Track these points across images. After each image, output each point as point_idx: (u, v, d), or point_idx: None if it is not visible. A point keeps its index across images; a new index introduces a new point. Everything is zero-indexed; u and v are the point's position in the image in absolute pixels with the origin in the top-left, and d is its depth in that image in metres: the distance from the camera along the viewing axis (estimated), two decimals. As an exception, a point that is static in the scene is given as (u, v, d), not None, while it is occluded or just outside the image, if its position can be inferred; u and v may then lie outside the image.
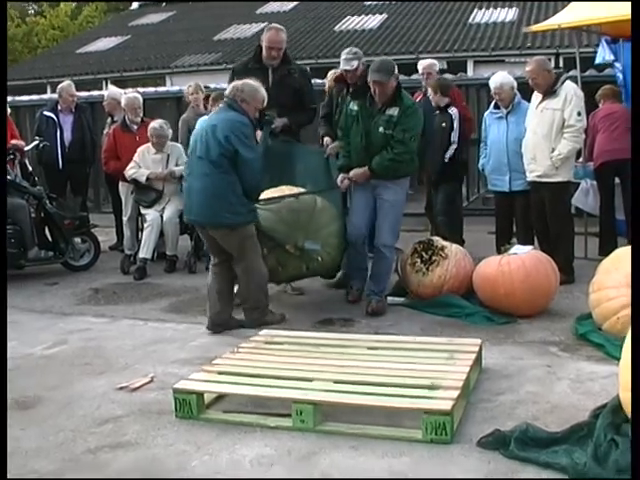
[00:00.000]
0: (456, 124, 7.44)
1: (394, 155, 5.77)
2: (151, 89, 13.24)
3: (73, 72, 19.73)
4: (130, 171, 7.85)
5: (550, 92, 6.52)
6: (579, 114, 6.42)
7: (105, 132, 8.94)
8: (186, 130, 8.05)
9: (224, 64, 17.71)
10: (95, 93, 13.38)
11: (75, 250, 8.11)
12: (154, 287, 7.22)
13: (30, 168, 8.27)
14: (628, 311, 4.19)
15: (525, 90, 7.07)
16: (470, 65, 17.55)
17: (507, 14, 19.76)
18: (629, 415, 3.19)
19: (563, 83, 6.54)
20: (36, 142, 8.73)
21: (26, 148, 8.50)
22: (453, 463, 3.33)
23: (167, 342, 5.37)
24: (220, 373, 4.21)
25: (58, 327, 5.92)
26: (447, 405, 3.53)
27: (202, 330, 5.58)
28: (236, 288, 5.76)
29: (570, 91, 6.44)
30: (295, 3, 24.59)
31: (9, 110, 8.85)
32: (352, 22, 21.48)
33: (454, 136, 7.43)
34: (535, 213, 6.80)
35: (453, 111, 7.46)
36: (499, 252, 6.26)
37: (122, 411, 4.08)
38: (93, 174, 10.21)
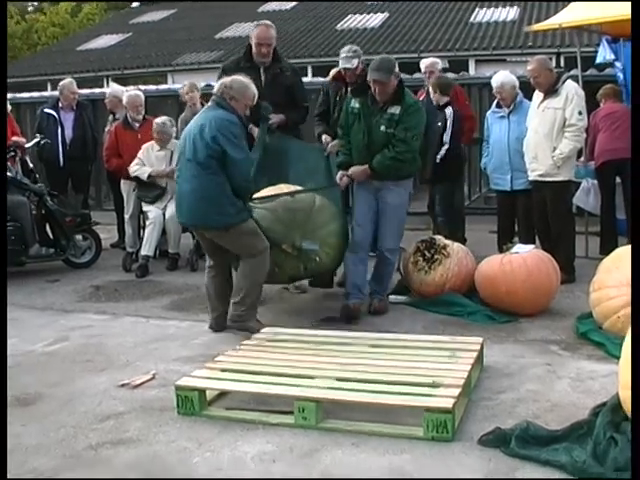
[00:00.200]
0: (449, 124, 7.38)
1: (395, 154, 5.64)
2: (152, 87, 13.22)
3: (74, 69, 19.74)
4: (133, 168, 7.86)
5: (551, 91, 6.52)
6: (580, 113, 6.43)
7: (107, 129, 8.95)
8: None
9: (225, 62, 17.72)
10: (96, 90, 13.39)
11: (76, 247, 8.12)
12: (156, 285, 7.22)
13: (31, 165, 8.28)
14: (629, 310, 4.19)
15: (527, 89, 7.07)
16: (472, 64, 17.58)
17: (508, 13, 19.78)
18: (628, 413, 3.21)
19: (564, 82, 6.54)
20: (37, 139, 8.74)
21: (27, 145, 8.52)
22: (454, 461, 3.33)
23: (169, 339, 5.37)
24: (222, 370, 4.21)
25: (59, 324, 5.92)
26: (448, 403, 3.54)
27: (204, 328, 5.58)
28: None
29: (571, 90, 6.45)
30: (296, 2, 24.60)
31: (10, 107, 8.85)
32: (354, 21, 21.50)
33: (446, 137, 7.37)
34: (537, 212, 6.80)
35: (448, 111, 7.42)
36: (501, 251, 6.28)
37: (124, 408, 4.08)
38: (94, 171, 10.22)
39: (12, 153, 8.14)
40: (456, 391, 3.68)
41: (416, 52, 17.30)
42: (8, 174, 7.76)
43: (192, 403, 3.92)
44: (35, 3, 38.50)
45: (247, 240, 5.31)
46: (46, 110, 9.05)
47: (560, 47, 16.25)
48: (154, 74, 20.70)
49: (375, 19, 21.28)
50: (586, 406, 3.72)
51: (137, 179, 7.88)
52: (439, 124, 7.35)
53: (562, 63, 15.49)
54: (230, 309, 5.44)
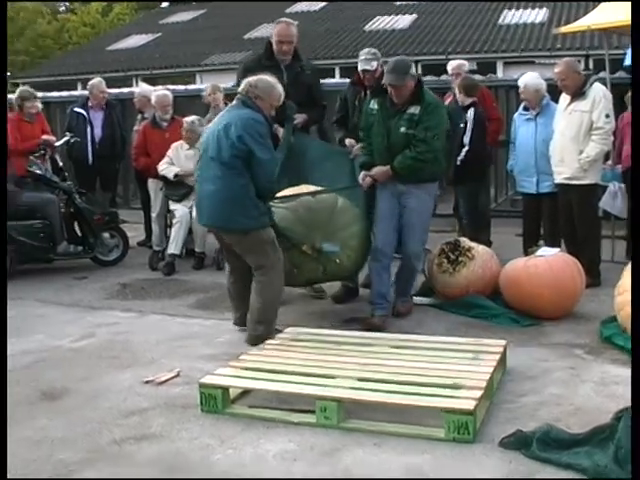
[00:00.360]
0: (469, 126, 7.34)
1: (416, 154, 5.50)
2: (181, 87, 13.30)
3: (103, 69, 19.92)
4: (162, 167, 7.93)
5: (579, 94, 6.48)
6: (607, 116, 6.39)
7: (135, 129, 9.02)
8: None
9: (254, 63, 17.78)
10: (125, 90, 13.50)
11: (104, 245, 8.20)
12: (182, 283, 7.28)
13: (60, 163, 8.38)
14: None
15: (554, 92, 7.04)
16: (500, 66, 17.50)
17: (537, 15, 19.66)
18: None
19: (592, 85, 6.50)
20: (66, 138, 8.85)
21: (56, 144, 8.62)
22: (474, 462, 3.34)
23: (194, 338, 5.41)
24: (246, 369, 4.25)
25: (86, 321, 6.00)
26: (470, 405, 3.55)
27: (229, 326, 5.61)
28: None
29: (599, 93, 6.41)
30: (325, 2, 24.62)
31: (40, 106, 8.95)
32: (382, 22, 21.49)
33: (465, 138, 7.32)
34: (563, 215, 6.76)
35: (469, 113, 7.38)
36: (526, 254, 6.25)
37: (148, 404, 4.14)
38: (123, 170, 10.32)
39: (42, 151, 8.26)
40: (478, 393, 3.68)
41: (444, 54, 17.26)
42: (38, 172, 7.89)
43: (215, 401, 3.97)
44: (67, 3, 38.94)
45: (263, 249, 5.14)
46: (76, 109, 9.14)
47: (589, 49, 16.13)
48: (183, 74, 20.84)
49: (404, 20, 21.26)
50: (609, 410, 3.70)
51: (164, 178, 7.95)
52: (462, 125, 7.33)
53: (591, 65, 15.37)
54: (249, 327, 5.26)
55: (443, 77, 10.16)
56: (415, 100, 5.53)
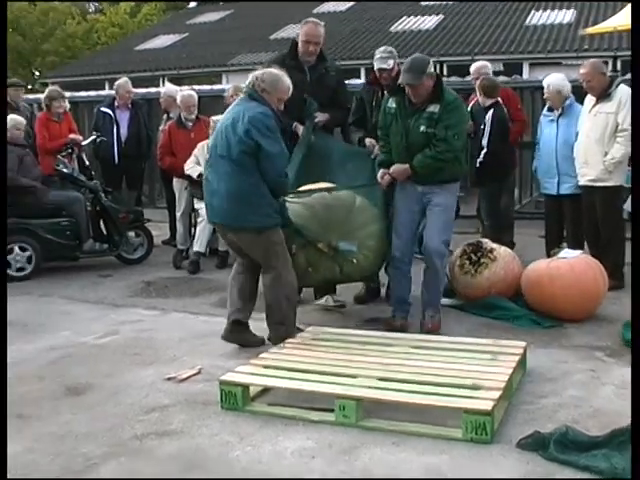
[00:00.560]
0: (487, 128, 7.29)
1: (436, 153, 5.34)
2: (206, 87, 13.39)
3: (131, 69, 20.10)
4: (188, 166, 7.99)
5: (604, 95, 6.46)
6: (633, 118, 6.35)
7: (161, 128, 9.11)
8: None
9: (280, 63, 17.85)
10: (152, 90, 13.60)
11: (129, 243, 8.29)
12: (205, 282, 7.34)
13: (87, 162, 8.51)
14: (676, 318, 4.14)
15: (580, 93, 7.00)
16: (526, 67, 17.40)
17: (564, 16, 19.53)
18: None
19: (617, 86, 6.47)
20: (93, 137, 8.99)
21: (83, 143, 8.74)
22: (491, 463, 3.36)
23: (216, 336, 5.42)
24: (266, 367, 4.29)
25: (110, 318, 6.08)
26: (488, 405, 3.56)
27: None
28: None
29: (624, 95, 6.37)
30: (352, 3, 24.63)
31: (68, 105, 9.08)
32: (408, 22, 21.46)
33: (484, 140, 7.28)
34: (586, 217, 6.74)
35: (488, 115, 7.33)
36: (548, 256, 6.23)
37: (169, 401, 4.20)
38: (148, 169, 10.41)
39: (69, 150, 8.39)
40: (496, 394, 3.69)
41: (470, 55, 17.19)
42: (65, 170, 8.00)
43: (235, 398, 4.01)
44: (96, 4, 39.30)
45: (274, 249, 5.02)
46: (102, 109, 9.26)
47: (617, 50, 16.00)
48: (209, 74, 20.96)
49: (430, 21, 21.22)
50: (629, 413, 3.66)
51: (189, 177, 8.02)
52: (482, 127, 7.31)
53: (619, 67, 15.25)
54: (270, 328, 5.14)
55: (468, 78, 10.12)
56: (434, 98, 5.38)
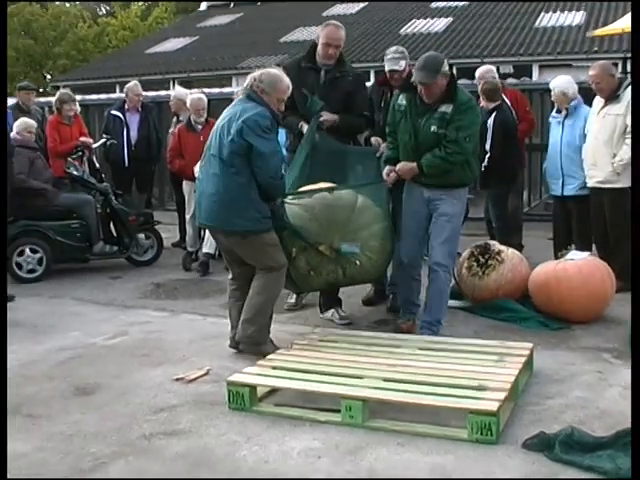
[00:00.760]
0: (489, 132, 7.28)
1: (446, 155, 5.12)
2: (216, 90, 13.46)
3: (142, 72, 20.18)
4: (197, 169, 8.02)
5: (613, 97, 6.47)
6: (642, 119, 6.35)
7: (171, 131, 9.16)
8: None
9: (289, 66, 17.91)
10: (162, 93, 13.67)
11: (139, 246, 8.34)
12: (214, 284, 7.37)
13: (97, 165, 8.57)
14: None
15: (588, 95, 7.00)
16: (536, 69, 17.38)
17: (574, 18, 19.49)
18: None
19: (626, 88, 6.47)
20: (103, 140, 9.05)
21: (94, 145, 8.80)
22: (497, 463, 3.38)
23: (224, 337, 5.44)
24: (273, 368, 4.32)
25: (120, 319, 6.12)
26: (493, 406, 3.58)
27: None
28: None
29: (633, 96, 6.38)
30: (362, 5, 24.66)
31: (79, 109, 9.15)
32: (418, 25, 21.46)
33: (487, 145, 7.25)
34: (594, 219, 6.75)
35: (490, 119, 7.31)
36: (556, 257, 6.23)
37: (177, 401, 4.23)
38: (158, 172, 10.47)
39: (80, 153, 8.45)
40: (502, 395, 3.71)
41: (479, 57, 17.19)
42: (75, 173, 8.06)
43: (243, 398, 4.04)
44: (107, 7, 39.47)
45: (266, 252, 4.89)
46: (113, 112, 9.32)
47: (626, 52, 15.92)
48: (219, 77, 21.02)
49: (439, 24, 21.20)
50: (635, 414, 3.71)
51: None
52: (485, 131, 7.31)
53: (628, 68, 15.20)
54: (239, 328, 4.99)
55: (476, 81, 10.13)
56: (447, 98, 5.17)
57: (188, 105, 8.55)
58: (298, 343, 4.84)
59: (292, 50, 20.37)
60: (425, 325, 5.35)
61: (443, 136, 5.16)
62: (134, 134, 9.22)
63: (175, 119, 9.28)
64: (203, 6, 30.20)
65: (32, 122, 8.18)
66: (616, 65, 12.92)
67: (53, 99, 9.21)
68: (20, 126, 7.92)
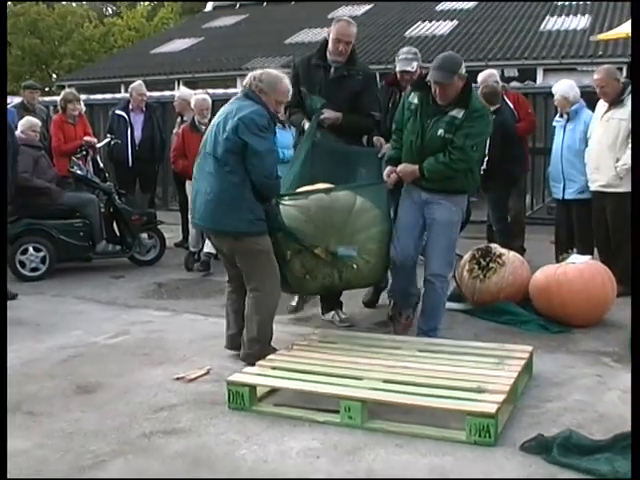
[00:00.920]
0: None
1: (450, 161, 4.94)
2: (220, 90, 13.48)
3: (147, 72, 20.21)
4: (198, 168, 8.05)
5: (617, 101, 6.48)
6: (646, 124, 6.36)
7: (174, 131, 9.18)
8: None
9: (294, 67, 17.95)
10: (167, 93, 13.70)
11: (141, 245, 8.37)
12: (216, 284, 7.37)
13: (101, 164, 8.60)
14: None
15: (592, 99, 7.01)
16: (540, 73, 17.38)
17: (579, 22, 19.47)
18: None
19: (630, 93, 6.48)
20: (107, 139, 9.09)
21: (98, 145, 8.83)
22: (495, 465, 3.39)
23: (225, 337, 5.51)
24: (273, 368, 4.33)
25: (121, 318, 6.14)
26: (492, 408, 3.59)
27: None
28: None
29: (637, 101, 6.39)
30: (368, 7, 24.68)
31: (83, 108, 9.18)
32: (423, 28, 21.46)
33: (485, 149, 7.24)
34: (596, 223, 6.76)
35: None
36: (557, 261, 6.24)
37: (177, 400, 4.25)
38: (162, 172, 10.51)
39: (84, 152, 8.48)
40: (500, 397, 3.72)
41: (484, 60, 17.18)
42: (79, 172, 8.10)
43: (242, 398, 4.06)
44: (113, 7, 39.56)
45: (259, 259, 4.74)
46: (117, 112, 9.35)
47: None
48: (224, 78, 21.05)
49: (444, 26, 21.20)
50: (634, 418, 3.72)
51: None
52: None
53: (634, 73, 15.19)
54: (244, 345, 4.87)
55: (478, 85, 10.14)
56: (460, 103, 4.98)
57: (192, 105, 8.57)
58: (298, 344, 4.85)
59: (297, 52, 20.37)
60: (421, 333, 5.23)
61: (450, 141, 4.98)
62: (138, 134, 9.24)
63: (179, 119, 9.31)
64: (209, 7, 30.24)
65: (36, 121, 8.22)
66: (620, 70, 12.93)
67: (58, 98, 9.25)
68: (24, 125, 7.96)
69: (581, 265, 5.72)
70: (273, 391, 4.25)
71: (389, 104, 6.11)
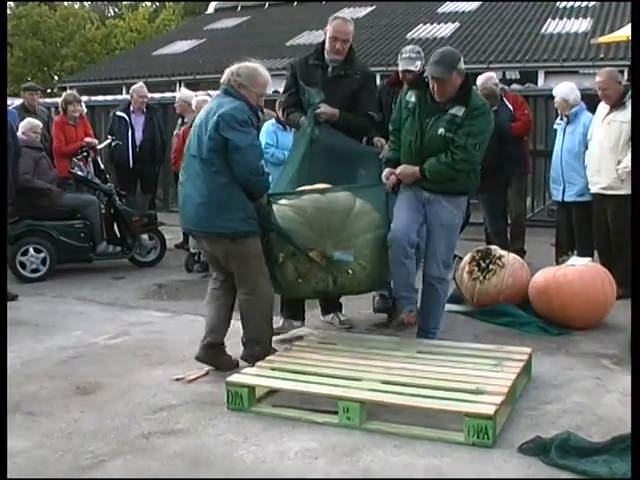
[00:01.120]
0: None
1: (452, 161, 4.79)
2: (222, 92, 13.51)
3: (148, 74, 20.28)
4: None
5: (619, 104, 6.49)
6: (648, 126, 6.37)
7: (175, 133, 9.20)
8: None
9: (295, 69, 17.96)
10: (168, 95, 13.74)
11: (142, 246, 8.38)
12: (215, 285, 7.39)
13: (102, 166, 8.60)
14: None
15: (593, 102, 7.01)
16: (541, 76, 17.40)
17: (580, 25, 19.50)
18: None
19: (631, 97, 6.49)
20: (108, 141, 9.11)
21: (99, 146, 8.84)
22: (493, 466, 3.39)
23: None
24: (272, 369, 4.34)
25: (122, 319, 6.15)
26: (490, 410, 3.59)
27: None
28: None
29: (638, 103, 6.40)
30: (370, 9, 24.70)
31: (84, 109, 9.20)
32: (424, 30, 21.50)
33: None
34: (597, 225, 6.77)
35: None
36: (557, 263, 6.25)
37: (176, 401, 4.26)
38: (162, 173, 10.52)
39: (85, 154, 8.49)
40: (499, 399, 3.73)
41: (485, 63, 17.21)
42: (80, 173, 8.11)
43: (241, 399, 4.06)
44: (115, 9, 39.63)
45: (250, 263, 4.63)
46: (118, 113, 9.37)
47: (633, 60, 15.96)
48: (225, 80, 21.08)
49: (446, 29, 21.24)
50: (632, 420, 3.72)
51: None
52: None
53: (635, 76, 15.20)
54: (245, 346, 4.81)
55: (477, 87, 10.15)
56: (460, 100, 4.82)
57: (193, 107, 8.58)
58: (297, 345, 4.86)
59: (299, 54, 20.29)
60: (421, 334, 5.16)
61: (451, 141, 4.82)
62: (139, 135, 9.26)
63: (180, 121, 9.32)
64: (210, 9, 30.29)
65: (37, 122, 8.23)
66: (622, 72, 12.92)
67: (60, 100, 9.26)
68: (25, 126, 7.97)
69: (581, 267, 5.73)
70: (272, 392, 4.25)
71: (391, 104, 5.90)
